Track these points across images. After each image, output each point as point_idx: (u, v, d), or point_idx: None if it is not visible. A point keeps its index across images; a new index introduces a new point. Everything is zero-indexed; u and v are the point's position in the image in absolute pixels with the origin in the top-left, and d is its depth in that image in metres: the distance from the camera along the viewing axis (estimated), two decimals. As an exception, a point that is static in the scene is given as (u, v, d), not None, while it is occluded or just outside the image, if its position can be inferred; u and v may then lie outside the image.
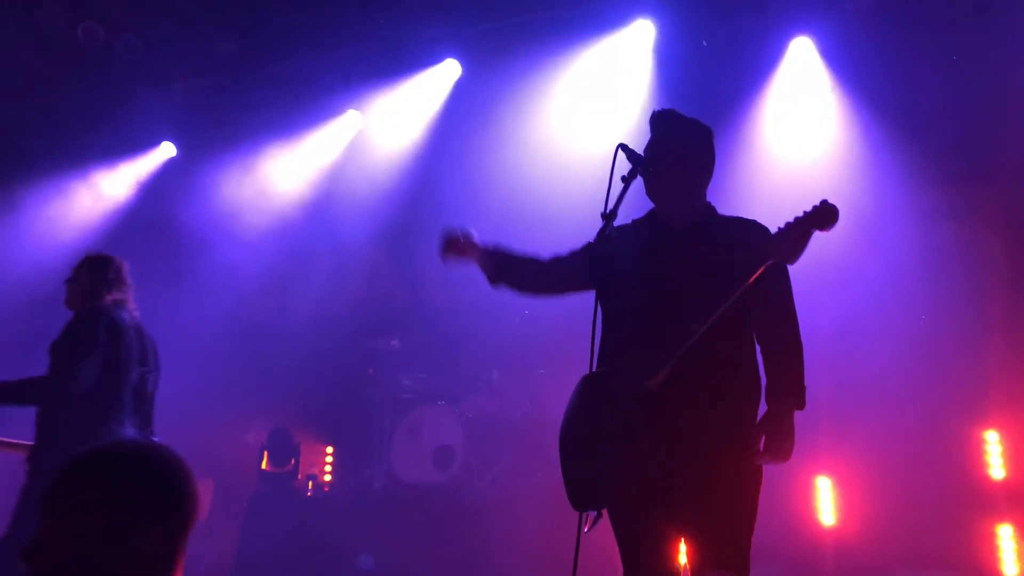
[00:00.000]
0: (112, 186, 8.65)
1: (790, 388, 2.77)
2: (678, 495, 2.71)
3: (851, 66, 6.66)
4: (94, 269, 4.27)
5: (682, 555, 2.84)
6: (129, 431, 3.95)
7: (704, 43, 6.84)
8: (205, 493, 7.43)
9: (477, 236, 3.19)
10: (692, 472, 2.70)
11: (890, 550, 5.56)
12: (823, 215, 2.54)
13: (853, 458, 5.98)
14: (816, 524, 5.99)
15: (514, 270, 3.24)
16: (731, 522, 2.71)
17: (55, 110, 7.91)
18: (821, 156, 6.69)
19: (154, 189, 8.67)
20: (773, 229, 2.70)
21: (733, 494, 2.71)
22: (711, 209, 3.02)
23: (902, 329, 6.08)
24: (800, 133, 6.87)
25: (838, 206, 2.55)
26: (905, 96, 6.31)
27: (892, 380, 5.99)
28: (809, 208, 2.58)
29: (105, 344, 3.97)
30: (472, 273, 7.99)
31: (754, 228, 2.94)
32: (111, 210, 8.67)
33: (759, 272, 2.61)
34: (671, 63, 6.96)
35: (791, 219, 2.60)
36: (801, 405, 2.79)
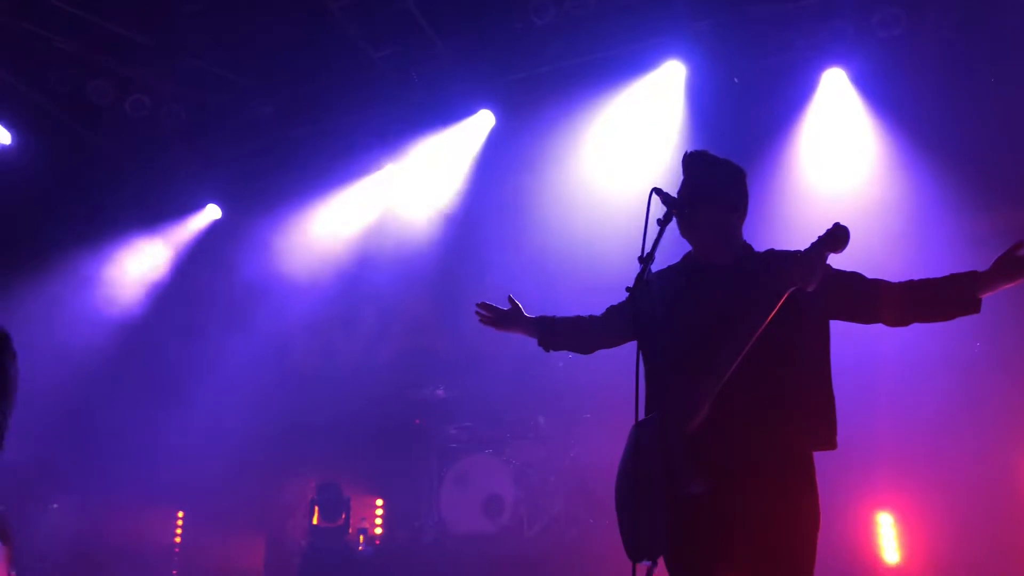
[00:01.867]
0: (161, 249, 8.93)
1: (816, 440, 2.75)
2: (732, 538, 2.65)
3: (886, 95, 6.62)
4: None
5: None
6: None
7: (736, 80, 6.87)
8: (256, 549, 7.49)
9: (521, 305, 3.36)
10: (745, 514, 2.64)
11: (960, 588, 5.36)
12: (834, 238, 2.60)
13: (915, 492, 5.81)
14: (880, 562, 5.81)
15: (566, 334, 3.40)
16: (790, 564, 2.64)
17: (104, 178, 8.18)
18: (861, 185, 6.64)
19: (201, 250, 8.91)
20: None
21: (791, 535, 2.64)
22: (748, 248, 3.02)
23: (959, 359, 5.93)
24: (838, 163, 6.83)
25: (850, 229, 2.60)
26: (942, 122, 6.25)
27: (952, 411, 5.83)
28: (823, 232, 2.62)
29: None
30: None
31: (789, 256, 2.91)
32: (159, 273, 8.93)
33: (779, 303, 2.63)
34: (704, 102, 6.99)
35: (807, 245, 2.65)
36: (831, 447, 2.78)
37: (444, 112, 7.70)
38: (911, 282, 2.78)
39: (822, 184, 6.78)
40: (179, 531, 8.09)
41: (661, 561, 2.74)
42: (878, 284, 2.81)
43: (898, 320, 2.79)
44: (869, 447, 5.71)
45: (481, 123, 7.82)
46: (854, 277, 2.85)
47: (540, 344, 3.50)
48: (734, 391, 2.66)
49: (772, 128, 6.91)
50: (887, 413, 5.83)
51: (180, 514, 8.13)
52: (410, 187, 8.32)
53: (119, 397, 8.15)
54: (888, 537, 5.86)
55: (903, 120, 6.54)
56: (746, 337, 2.63)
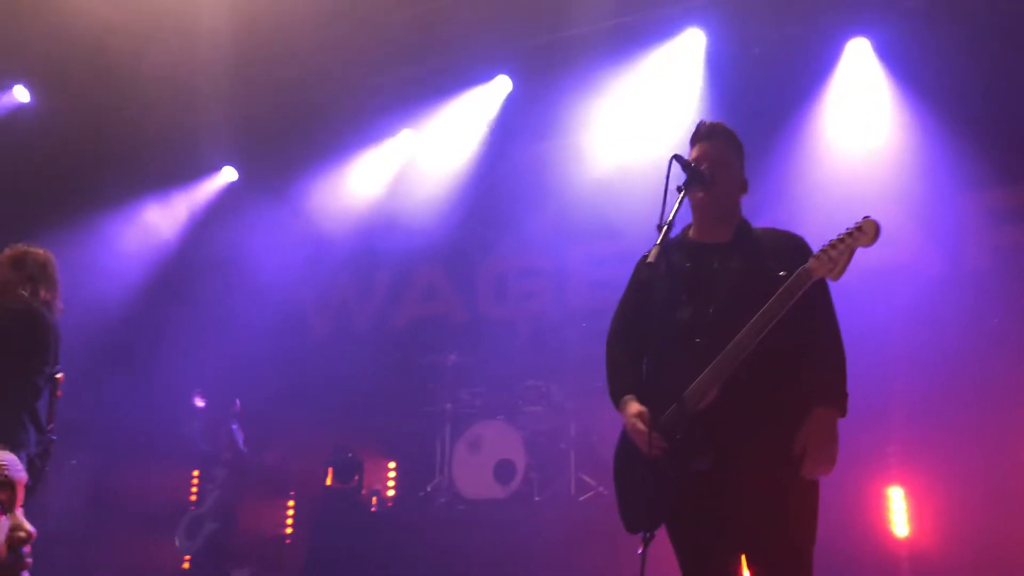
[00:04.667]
0: (178, 209, 8.97)
1: (828, 393, 2.72)
2: (733, 513, 2.69)
3: (909, 65, 6.52)
4: (20, 264, 3.98)
5: (744, 572, 2.81)
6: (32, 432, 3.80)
7: (756, 51, 6.77)
8: (274, 509, 7.63)
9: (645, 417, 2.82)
10: (746, 490, 2.68)
11: (969, 560, 5.37)
12: (865, 232, 2.59)
13: (927, 466, 5.80)
14: (890, 536, 5.82)
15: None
16: (790, 538, 2.67)
17: (123, 137, 8.19)
18: (880, 158, 6.55)
19: (217, 212, 8.95)
20: (817, 241, 2.71)
21: (790, 510, 2.68)
22: (746, 224, 3.02)
23: (972, 331, 5.90)
24: (859, 135, 6.74)
25: (881, 222, 2.58)
26: (965, 94, 6.15)
27: (965, 385, 5.81)
28: (852, 225, 2.62)
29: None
30: (526, 289, 8.02)
31: (789, 240, 2.93)
32: (177, 233, 8.98)
33: (803, 291, 2.63)
34: (723, 70, 6.91)
35: (834, 237, 2.63)
36: (842, 412, 2.73)
37: (462, 77, 7.65)
38: (809, 367, 2.75)
39: (841, 157, 6.69)
40: (194, 490, 8.21)
41: (660, 533, 2.78)
42: (817, 347, 2.77)
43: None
44: (881, 421, 5.71)
45: (499, 89, 7.76)
46: (818, 319, 2.77)
47: None
48: (743, 370, 2.68)
49: (792, 99, 6.82)
50: (900, 388, 5.81)
51: (195, 473, 8.25)
52: (427, 152, 8.30)
53: (137, 357, 8.25)
54: (898, 511, 5.86)
55: (926, 91, 6.44)
56: (766, 324, 2.65)
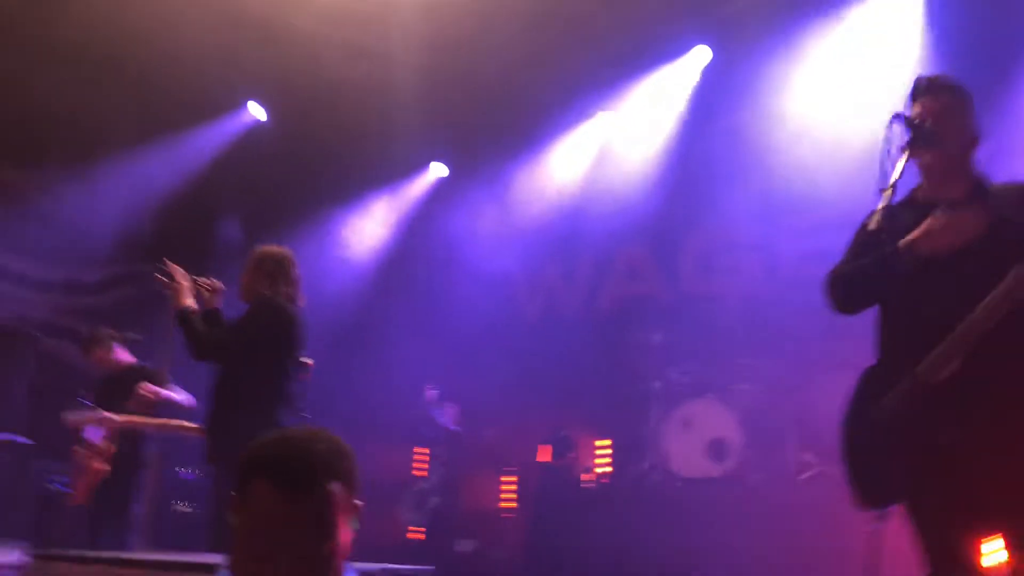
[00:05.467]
0: (393, 206, 9.61)
1: None
2: (984, 488, 2.51)
3: None
4: (259, 265, 4.29)
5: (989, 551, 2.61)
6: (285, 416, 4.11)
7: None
8: (505, 486, 7.84)
9: None
10: (999, 465, 2.49)
11: None
12: None
13: None
14: None
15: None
16: None
17: (343, 144, 8.83)
18: None
19: (431, 207, 9.48)
20: None
21: None
22: (983, 179, 2.77)
23: None
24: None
25: None
26: None
27: None
28: None
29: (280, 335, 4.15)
30: (732, 264, 7.76)
31: None
32: (393, 229, 9.62)
33: None
34: (947, 13, 6.33)
35: None
36: None
37: (659, 51, 7.57)
38: None
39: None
40: (418, 466, 8.75)
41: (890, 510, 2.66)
42: None
43: None
44: None
45: (697, 60, 7.60)
46: None
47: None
48: (990, 337, 2.48)
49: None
50: None
51: (420, 450, 8.78)
52: (626, 131, 8.29)
53: (369, 344, 8.92)
54: None
55: None
56: (1016, 286, 2.43)
